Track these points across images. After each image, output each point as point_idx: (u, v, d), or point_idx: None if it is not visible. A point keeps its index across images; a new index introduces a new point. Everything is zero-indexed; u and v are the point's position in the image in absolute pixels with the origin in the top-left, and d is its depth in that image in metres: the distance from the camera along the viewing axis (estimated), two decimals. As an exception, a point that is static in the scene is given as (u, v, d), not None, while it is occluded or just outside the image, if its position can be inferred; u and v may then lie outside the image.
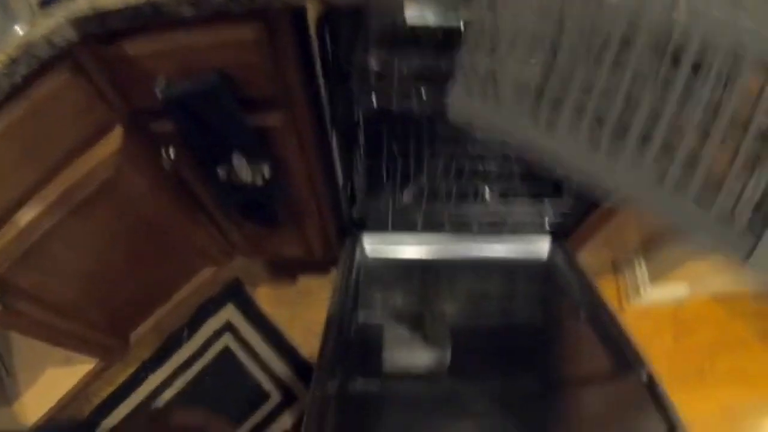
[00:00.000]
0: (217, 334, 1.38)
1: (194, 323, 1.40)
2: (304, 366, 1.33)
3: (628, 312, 1.46)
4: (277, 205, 0.98)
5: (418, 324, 0.91)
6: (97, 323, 1.09)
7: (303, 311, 1.38)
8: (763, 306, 1.54)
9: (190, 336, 1.39)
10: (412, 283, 1.03)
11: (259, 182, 0.85)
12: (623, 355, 0.84)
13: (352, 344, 0.85)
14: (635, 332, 0.92)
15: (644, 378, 0.79)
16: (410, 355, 0.87)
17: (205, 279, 1.33)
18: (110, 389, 1.32)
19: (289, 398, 1.29)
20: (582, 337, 0.92)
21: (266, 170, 0.84)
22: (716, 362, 1.46)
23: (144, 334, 1.27)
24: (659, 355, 1.53)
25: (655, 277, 1.43)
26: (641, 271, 1.46)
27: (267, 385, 1.30)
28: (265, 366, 1.32)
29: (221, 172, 0.84)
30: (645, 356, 0.83)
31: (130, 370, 1.34)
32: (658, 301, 1.48)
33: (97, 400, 1.32)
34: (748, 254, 0.53)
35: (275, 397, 1.29)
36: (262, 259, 1.40)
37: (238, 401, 1.28)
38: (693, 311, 1.53)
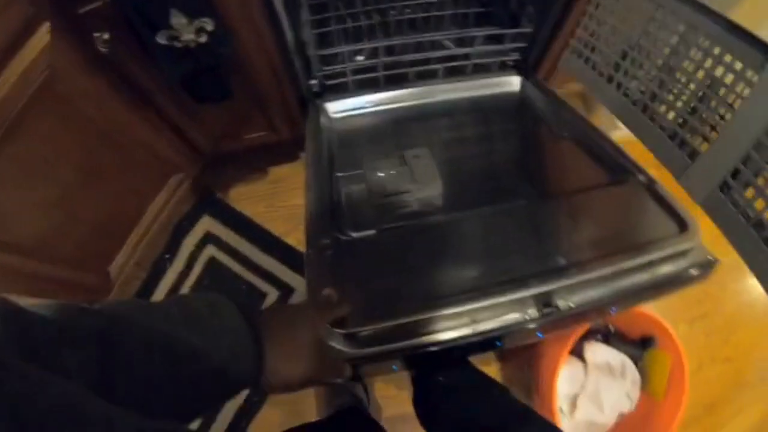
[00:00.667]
0: (199, 248, 1.33)
1: (173, 245, 1.33)
2: (293, 254, 1.30)
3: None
4: (225, 67, 0.90)
5: (403, 166, 0.88)
6: (69, 260, 1.00)
7: (279, 200, 1.34)
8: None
9: (172, 259, 1.33)
10: (386, 139, 0.99)
11: (203, 38, 0.77)
12: (617, 164, 0.84)
13: (338, 205, 0.82)
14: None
15: (643, 180, 0.80)
16: (400, 197, 0.83)
17: (174, 195, 1.26)
18: None
19: (286, 291, 1.28)
20: (571, 156, 0.91)
21: (209, 25, 0.75)
22: None
23: (126, 270, 1.20)
24: None
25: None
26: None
27: (261, 284, 1.28)
28: (255, 266, 1.29)
29: (161, 39, 0.75)
30: (638, 163, 0.83)
31: None
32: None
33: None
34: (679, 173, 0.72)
35: (272, 294, 1.27)
36: (227, 155, 1.32)
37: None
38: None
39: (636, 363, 1.08)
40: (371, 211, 0.82)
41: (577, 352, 1.07)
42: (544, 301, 0.64)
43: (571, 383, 1.02)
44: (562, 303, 0.64)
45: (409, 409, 1.03)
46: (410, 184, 0.85)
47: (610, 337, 1.08)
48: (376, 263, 0.70)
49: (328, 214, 0.76)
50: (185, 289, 1.30)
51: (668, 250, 0.67)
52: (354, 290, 0.64)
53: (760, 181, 0.61)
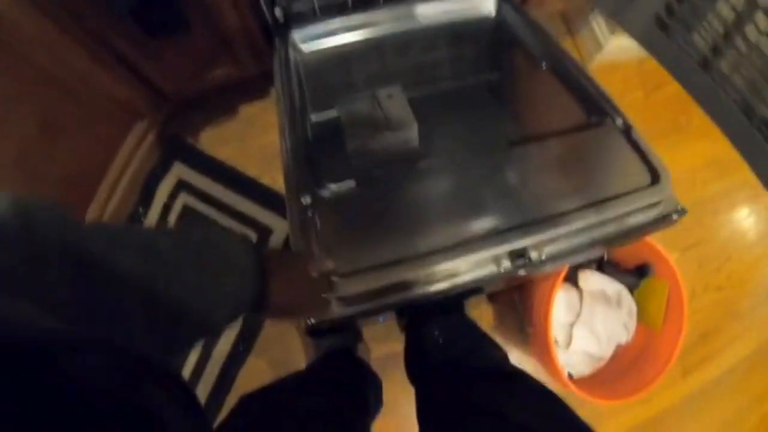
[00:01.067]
0: (172, 197, 1.25)
1: (146, 196, 1.26)
2: (269, 194, 1.24)
3: (592, 69, 1.40)
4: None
5: (376, 108, 0.81)
6: None
7: (252, 140, 1.26)
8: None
9: (146, 211, 1.26)
10: (358, 71, 0.92)
11: None
12: (594, 103, 0.81)
13: (313, 150, 0.77)
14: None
15: (620, 124, 0.78)
16: (376, 141, 0.77)
17: (141, 144, 1.21)
18: None
19: (265, 233, 1.23)
20: (548, 90, 0.87)
21: None
22: (692, 116, 1.45)
23: None
24: (632, 113, 1.52)
25: (615, 26, 1.34)
26: (597, 21, 1.37)
27: (239, 228, 1.22)
28: (231, 210, 1.23)
29: None
30: (617, 105, 0.80)
31: None
32: (622, 52, 1.41)
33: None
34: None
35: (252, 237, 1.21)
36: (193, 97, 1.23)
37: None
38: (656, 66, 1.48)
39: (632, 292, 1.05)
40: (348, 159, 0.77)
41: (572, 280, 1.03)
42: (518, 254, 0.66)
43: (566, 311, 0.99)
44: (534, 255, 0.66)
45: (397, 348, 1.01)
46: (385, 129, 0.78)
47: (604, 266, 1.05)
48: (357, 219, 0.69)
49: (305, 166, 0.73)
50: (161, 242, 1.23)
51: (640, 203, 0.69)
52: (340, 250, 0.64)
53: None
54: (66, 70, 0.87)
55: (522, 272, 0.66)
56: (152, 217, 1.25)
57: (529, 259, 0.66)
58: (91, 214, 1.12)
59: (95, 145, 1.06)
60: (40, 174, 0.91)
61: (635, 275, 1.05)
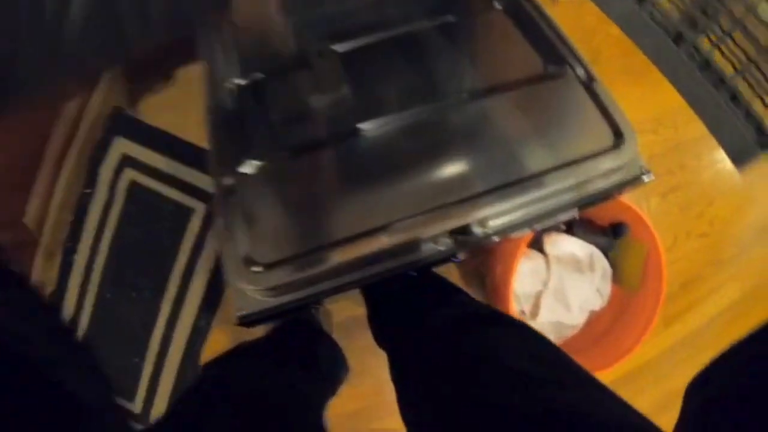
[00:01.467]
0: (117, 174, 1.17)
1: (92, 177, 1.18)
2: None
3: (562, 5, 1.27)
4: None
5: (305, 69, 0.71)
6: None
7: (192, 105, 1.12)
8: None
9: (94, 193, 1.18)
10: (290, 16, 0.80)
11: None
12: (552, 51, 0.71)
13: (237, 121, 0.69)
14: (574, 28, 0.75)
15: (581, 75, 0.68)
16: (304, 106, 0.68)
17: (78, 124, 1.16)
18: (50, 289, 1.17)
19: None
20: (502, 34, 0.76)
21: None
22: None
23: (50, 216, 1.15)
24: (608, 49, 1.33)
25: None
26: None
27: (187, 200, 1.15)
28: (177, 182, 1.15)
29: None
30: (579, 53, 0.70)
31: (57, 261, 1.18)
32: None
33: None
34: None
35: (200, 209, 1.14)
36: (127, 68, 1.15)
37: (166, 231, 1.14)
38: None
39: (606, 254, 0.98)
40: (276, 130, 0.68)
41: (538, 245, 0.96)
42: (459, 231, 0.59)
43: (532, 281, 0.91)
44: (479, 230, 0.59)
45: (361, 310, 0.96)
46: (315, 93, 0.69)
47: (573, 226, 0.96)
48: (284, 199, 0.63)
49: (226, 141, 0.66)
50: (112, 222, 1.17)
51: (600, 169, 0.61)
52: (265, 237, 0.59)
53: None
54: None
55: (466, 250, 0.60)
56: (100, 198, 1.18)
57: (473, 234, 0.59)
58: (34, 206, 1.10)
59: (23, 132, 1.01)
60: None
61: (609, 235, 0.97)
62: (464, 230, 0.59)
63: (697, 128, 1.33)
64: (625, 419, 0.37)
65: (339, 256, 0.56)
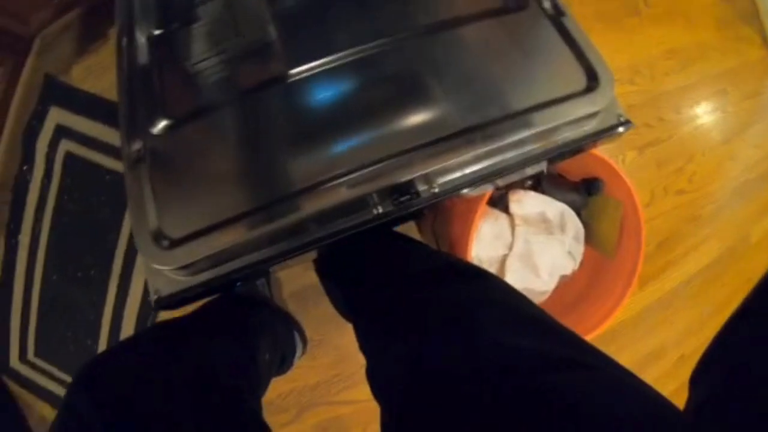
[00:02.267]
0: (53, 147, 1.08)
1: (28, 152, 1.10)
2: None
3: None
4: None
5: (224, 9, 0.62)
6: None
7: None
8: None
9: (31, 169, 1.10)
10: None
11: None
12: None
13: (150, 75, 0.60)
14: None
15: (548, 8, 0.59)
16: (224, 54, 0.59)
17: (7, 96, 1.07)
18: None
19: None
20: None
21: None
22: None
23: None
24: None
25: None
26: None
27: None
28: (114, 149, 1.07)
29: None
30: None
31: (1, 243, 1.11)
32: None
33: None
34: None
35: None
36: (54, 31, 1.05)
37: (106, 203, 1.06)
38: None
39: (579, 213, 0.90)
40: (191, 86, 0.59)
41: (502, 204, 0.87)
42: (400, 190, 0.51)
43: (494, 243, 0.82)
44: (424, 188, 0.52)
45: (314, 279, 0.89)
46: (235, 36, 0.59)
47: (542, 183, 0.88)
48: (197, 162, 0.54)
49: (135, 99, 0.58)
50: (52, 198, 1.09)
51: (572, 115, 0.53)
52: (176, 208, 0.51)
53: None
54: None
55: (410, 212, 0.52)
56: (38, 174, 1.10)
57: (417, 194, 0.51)
58: None
59: None
60: None
61: (582, 192, 0.90)
62: (406, 189, 0.51)
63: (677, 79, 1.27)
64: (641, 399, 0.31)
65: (257, 227, 0.49)
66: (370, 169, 0.50)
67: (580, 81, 0.55)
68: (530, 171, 0.57)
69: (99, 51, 1.06)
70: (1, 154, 1.10)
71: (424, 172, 0.51)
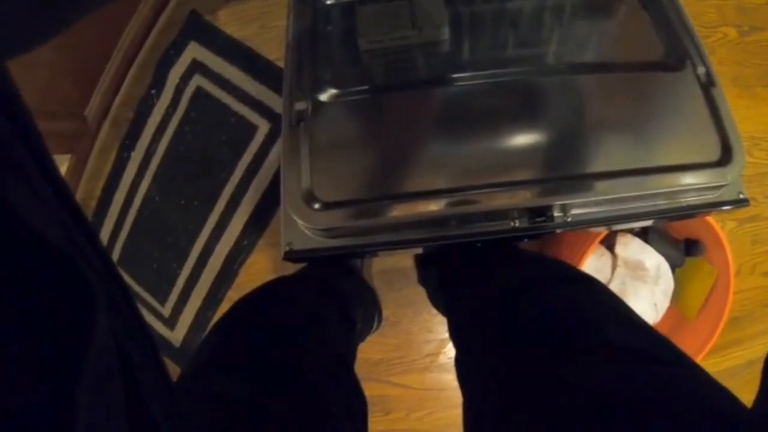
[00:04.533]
0: (185, 79, 1.14)
1: (159, 78, 1.16)
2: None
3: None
4: None
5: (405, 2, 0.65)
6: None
7: (273, 20, 1.12)
8: None
9: (159, 94, 1.17)
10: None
11: None
12: (677, 40, 0.62)
13: (322, 43, 0.64)
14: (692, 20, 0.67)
15: (701, 74, 0.60)
16: (396, 40, 0.62)
17: (152, 22, 1.13)
18: (100, 184, 1.19)
19: (278, 123, 1.11)
20: (628, 13, 0.68)
21: None
22: None
23: (112, 111, 1.15)
24: (721, 51, 1.19)
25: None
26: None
27: (252, 116, 1.11)
28: (246, 96, 1.12)
29: None
30: (705, 51, 0.62)
31: (112, 155, 1.18)
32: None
33: (93, 202, 1.20)
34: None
35: (263, 127, 1.11)
36: None
37: (225, 143, 1.12)
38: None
39: (673, 269, 0.91)
40: (363, 60, 0.62)
41: (608, 242, 0.89)
42: (538, 212, 0.55)
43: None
44: (559, 215, 0.55)
45: (406, 262, 0.92)
46: (409, 25, 0.62)
47: (650, 232, 0.89)
48: (357, 137, 0.58)
49: (306, 63, 0.61)
50: (173, 126, 1.16)
51: (700, 183, 0.55)
52: (329, 173, 0.55)
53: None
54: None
55: (537, 232, 0.56)
56: (164, 100, 1.17)
57: (551, 218, 0.54)
58: (97, 99, 1.10)
59: (96, 24, 0.98)
60: (33, 61, 0.83)
61: (681, 250, 0.90)
62: (544, 212, 0.54)
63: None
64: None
65: (403, 211, 0.52)
66: (524, 186, 0.53)
67: (716, 152, 0.56)
68: (647, 224, 0.59)
69: (248, 1, 1.11)
70: (133, 75, 1.16)
71: (565, 201, 0.54)
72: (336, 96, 0.59)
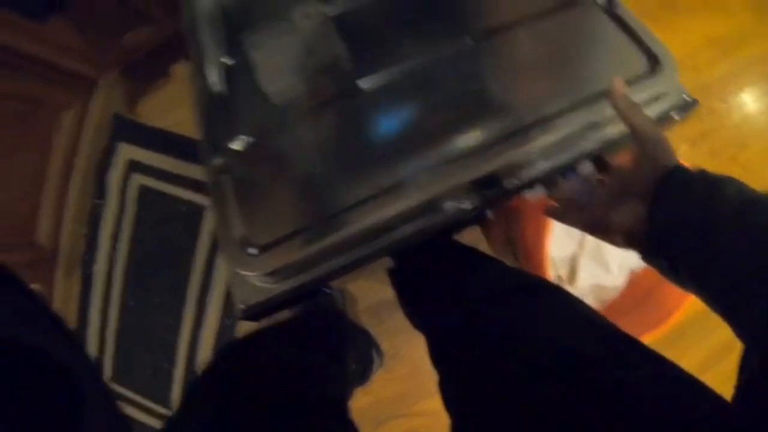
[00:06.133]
0: (126, 180, 1.16)
1: (101, 186, 1.17)
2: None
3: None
4: None
5: (292, 35, 0.65)
6: None
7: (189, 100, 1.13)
8: None
9: (105, 202, 1.18)
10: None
11: None
12: None
13: (226, 99, 0.65)
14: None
15: (601, 1, 0.62)
16: (297, 74, 0.63)
17: (78, 134, 1.15)
18: (74, 306, 1.18)
19: None
20: None
21: None
22: None
23: (65, 231, 1.15)
24: None
25: None
26: None
27: (198, 198, 1.12)
28: (186, 180, 1.13)
29: None
30: None
31: (77, 274, 1.18)
32: None
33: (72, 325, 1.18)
34: None
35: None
36: (122, 71, 1.12)
37: (181, 231, 1.12)
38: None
39: None
40: (268, 101, 0.62)
41: None
42: (486, 183, 0.54)
43: (567, 241, 0.83)
44: (507, 181, 0.54)
45: (388, 292, 0.91)
46: (307, 56, 0.63)
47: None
48: (280, 173, 0.58)
49: (214, 119, 0.62)
50: (126, 230, 1.16)
51: (639, 96, 0.54)
52: (261, 216, 0.54)
53: None
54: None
55: (492, 203, 0.55)
56: (112, 207, 1.17)
57: (501, 186, 0.53)
58: (45, 222, 1.09)
59: (24, 151, 0.99)
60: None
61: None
62: (491, 182, 0.53)
63: (721, 68, 1.26)
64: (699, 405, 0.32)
65: (345, 227, 0.51)
66: (457, 162, 0.53)
67: (643, 65, 0.57)
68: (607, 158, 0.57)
69: (163, 88, 1.13)
70: (75, 190, 1.17)
71: (508, 162, 0.53)
72: (249, 142, 0.59)
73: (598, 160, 0.55)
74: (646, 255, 0.42)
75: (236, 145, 0.59)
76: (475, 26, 0.64)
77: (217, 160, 0.58)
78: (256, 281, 0.54)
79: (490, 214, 0.58)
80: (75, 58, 0.98)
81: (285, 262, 0.51)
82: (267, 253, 0.51)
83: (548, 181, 0.56)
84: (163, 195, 1.13)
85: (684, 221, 0.37)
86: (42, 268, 1.12)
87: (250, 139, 0.59)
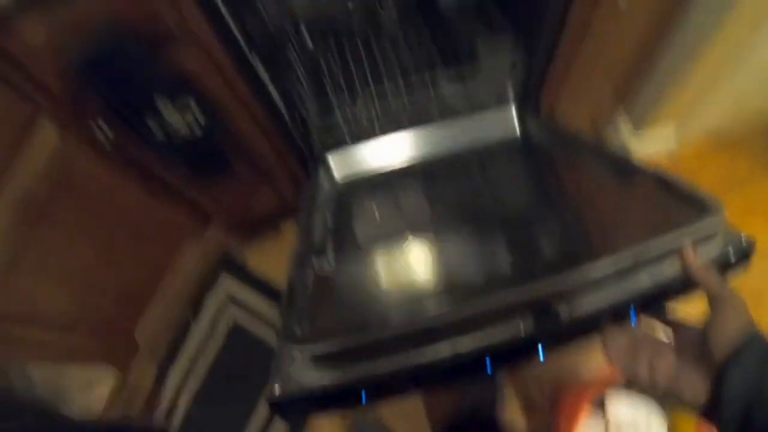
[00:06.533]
0: (221, 311, 1.34)
1: (197, 308, 1.36)
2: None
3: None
4: (224, 150, 0.94)
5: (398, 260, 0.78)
6: (96, 329, 1.07)
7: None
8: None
9: (196, 322, 1.36)
10: (385, 206, 0.94)
11: (198, 132, 0.82)
12: (624, 166, 0.73)
13: (315, 299, 0.70)
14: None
15: (650, 173, 0.68)
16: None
17: (195, 261, 1.32)
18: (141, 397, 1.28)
19: None
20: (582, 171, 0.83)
21: (198, 114, 0.82)
22: (728, 200, 1.34)
23: (154, 333, 1.26)
24: None
25: (641, 124, 1.34)
26: (624, 121, 1.37)
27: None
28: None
29: (153, 126, 0.82)
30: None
31: (153, 372, 1.30)
32: (651, 151, 1.40)
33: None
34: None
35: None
36: (238, 224, 1.35)
37: (259, 370, 1.24)
38: (692, 154, 1.44)
39: (664, 407, 0.92)
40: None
41: (599, 401, 0.92)
42: (540, 309, 0.54)
43: None
44: (562, 308, 0.53)
45: None
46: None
47: None
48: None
49: (296, 320, 0.63)
50: (209, 353, 1.31)
51: (689, 237, 0.54)
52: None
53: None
54: (127, 206, 1.00)
55: (545, 332, 0.54)
56: (202, 328, 1.34)
57: (556, 314, 0.53)
58: (145, 322, 1.22)
59: (149, 262, 1.18)
60: (102, 288, 1.04)
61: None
62: (547, 308, 0.54)
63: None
64: None
65: (390, 330, 0.54)
66: (519, 285, 0.53)
67: (692, 212, 0.58)
68: (657, 302, 0.56)
69: (273, 242, 1.34)
70: (173, 302, 1.29)
71: (565, 288, 0.54)
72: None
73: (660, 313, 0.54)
74: (712, 420, 0.41)
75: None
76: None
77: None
78: (298, 367, 0.55)
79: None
80: (212, 205, 1.19)
81: (332, 349, 0.53)
82: (317, 335, 0.55)
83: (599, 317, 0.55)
84: (252, 334, 1.28)
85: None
86: (125, 358, 1.21)
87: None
